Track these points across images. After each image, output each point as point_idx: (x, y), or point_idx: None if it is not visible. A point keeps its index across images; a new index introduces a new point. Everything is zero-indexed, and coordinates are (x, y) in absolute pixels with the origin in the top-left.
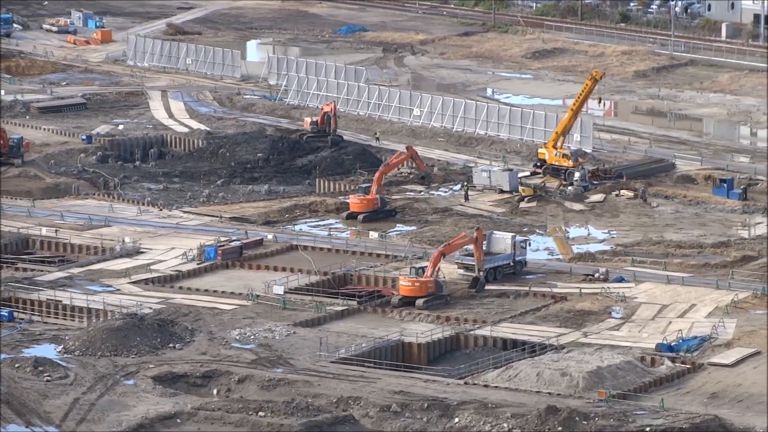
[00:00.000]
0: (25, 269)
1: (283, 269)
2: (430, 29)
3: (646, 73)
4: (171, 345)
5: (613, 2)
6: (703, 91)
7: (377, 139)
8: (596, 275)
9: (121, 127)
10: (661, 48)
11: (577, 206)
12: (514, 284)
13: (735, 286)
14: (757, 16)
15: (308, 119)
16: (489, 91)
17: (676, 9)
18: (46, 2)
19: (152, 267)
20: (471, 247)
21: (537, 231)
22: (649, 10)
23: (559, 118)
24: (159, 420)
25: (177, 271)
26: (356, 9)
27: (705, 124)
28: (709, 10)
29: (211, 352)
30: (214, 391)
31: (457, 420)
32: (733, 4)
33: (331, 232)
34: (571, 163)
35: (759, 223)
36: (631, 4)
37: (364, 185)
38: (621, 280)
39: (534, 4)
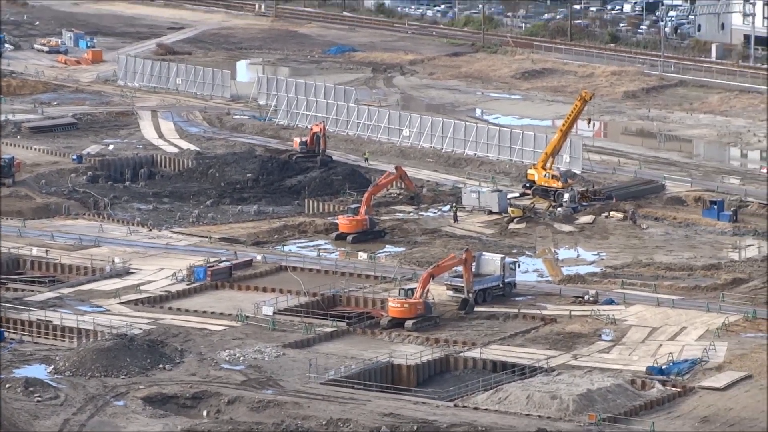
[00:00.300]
0: (15, 289)
1: (273, 290)
2: (420, 49)
3: (635, 93)
4: (161, 366)
5: (602, 23)
6: (693, 112)
7: (366, 159)
8: (586, 297)
9: (111, 147)
10: (651, 69)
11: (567, 228)
12: (503, 306)
13: (726, 309)
14: (747, 37)
15: (297, 140)
16: (478, 112)
17: (666, 30)
18: (37, 22)
19: (142, 287)
20: (460, 268)
21: (526, 252)
22: (639, 30)
23: (548, 138)
24: None
25: (166, 291)
26: (345, 29)
27: (695, 146)
28: (699, 30)
29: (201, 373)
30: (204, 413)
31: None
32: (723, 25)
33: (321, 253)
34: (560, 184)
35: (750, 246)
36: (621, 24)
37: (353, 206)
38: (611, 302)
39: (523, 24)
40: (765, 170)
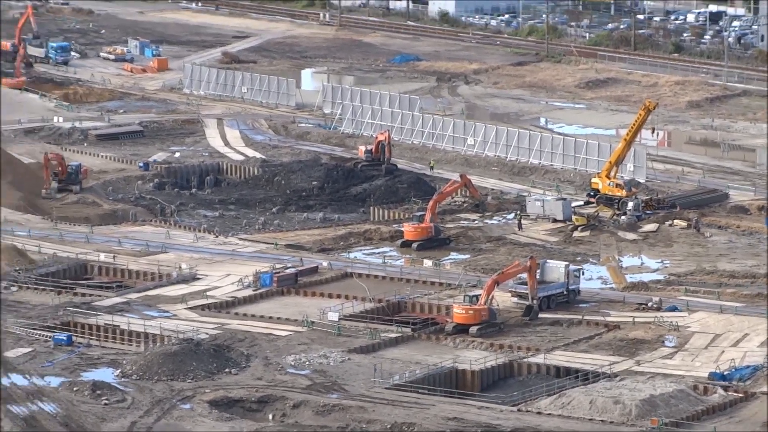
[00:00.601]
0: (83, 294)
1: (338, 296)
2: (484, 59)
3: (699, 103)
4: (227, 370)
5: (666, 33)
6: (757, 122)
7: (431, 167)
8: (649, 304)
9: (177, 154)
10: (715, 78)
11: (631, 236)
12: (567, 312)
13: None
14: None
15: (363, 148)
16: (542, 121)
17: (729, 39)
18: (103, 31)
19: (208, 293)
20: (525, 275)
21: (590, 260)
22: (702, 40)
23: (612, 147)
24: None
25: (233, 297)
26: (409, 38)
27: (758, 155)
28: (762, 40)
29: (267, 377)
30: (270, 416)
31: None
32: None
33: (386, 260)
34: (624, 192)
35: None
36: (684, 34)
37: (418, 213)
38: (674, 309)
39: (587, 34)
40: None
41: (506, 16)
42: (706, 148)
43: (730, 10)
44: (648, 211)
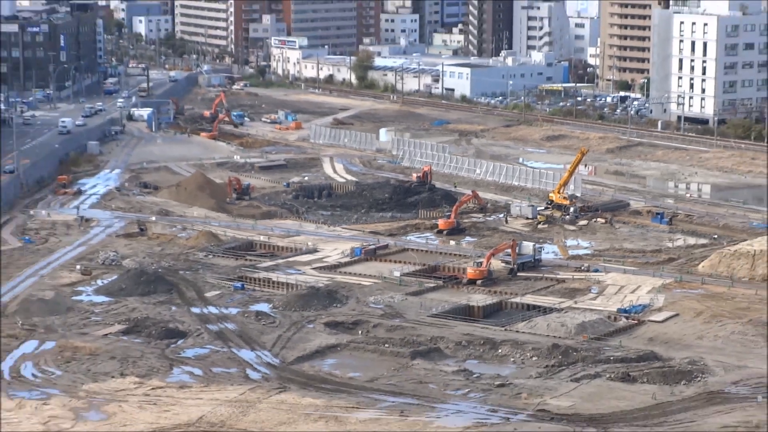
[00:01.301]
0: (250, 260)
1: (400, 262)
2: (486, 123)
3: (613, 149)
4: (335, 305)
5: (594, 108)
6: (647, 161)
7: (455, 186)
8: (582, 268)
9: (306, 178)
10: (622, 135)
11: (571, 228)
12: (534, 273)
13: (664, 276)
14: (679, 117)
15: (415, 175)
16: (521, 159)
17: (631, 112)
18: (263, 105)
19: (324, 259)
20: (509, 250)
21: (548, 241)
22: (616, 113)
23: (561, 175)
24: (327, 348)
25: (338, 262)
26: (443, 110)
27: (648, 180)
28: (651, 112)
29: (358, 309)
30: (359, 332)
31: (500, 350)
32: (665, 109)
33: (427, 241)
34: (568, 202)
35: (678, 239)
36: (605, 109)
37: (447, 214)
38: (597, 271)
39: (547, 108)
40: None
41: (500, 97)
42: (616, 176)
43: (632, 94)
44: (582, 213)
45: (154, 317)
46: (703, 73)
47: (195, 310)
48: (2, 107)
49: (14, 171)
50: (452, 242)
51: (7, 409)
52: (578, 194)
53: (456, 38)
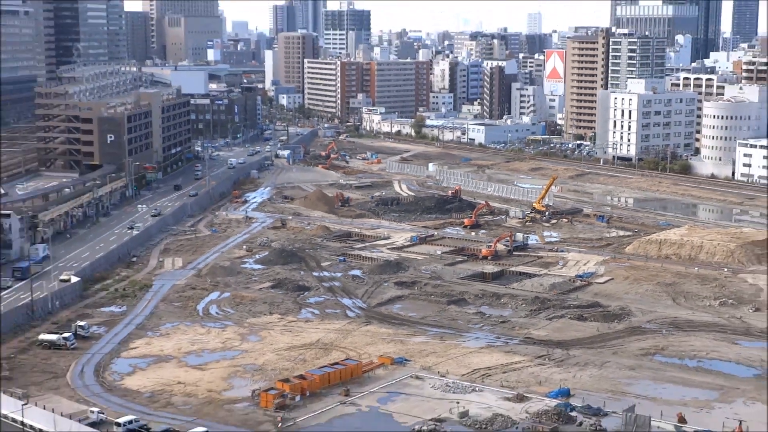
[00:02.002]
0: (349, 243)
1: (441, 245)
2: (494, 159)
3: (573, 176)
4: (400, 271)
5: (560, 151)
6: (593, 183)
7: (475, 200)
8: (553, 249)
9: (383, 193)
10: (578, 167)
11: (546, 225)
12: (523, 252)
13: (603, 254)
14: (614, 156)
15: (450, 191)
16: (515, 182)
17: (584, 153)
18: (356, 149)
19: (394, 243)
20: (508, 238)
21: (532, 233)
22: (574, 153)
23: (540, 192)
24: (395, 298)
25: (403, 245)
26: (467, 151)
27: (594, 195)
28: (596, 153)
29: (414, 274)
30: (416, 288)
31: (502, 300)
32: (605, 151)
33: (458, 232)
34: (544, 209)
35: (613, 232)
36: (567, 151)
37: (469, 216)
38: (562, 251)
39: (532, 151)
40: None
41: (503, 144)
42: (574, 193)
43: (584, 142)
44: (553, 216)
45: (290, 278)
46: (629, 129)
47: (315, 273)
48: (200, 149)
49: (197, 194)
50: (473, 233)
51: (199, 333)
52: (551, 204)
53: (476, 108)
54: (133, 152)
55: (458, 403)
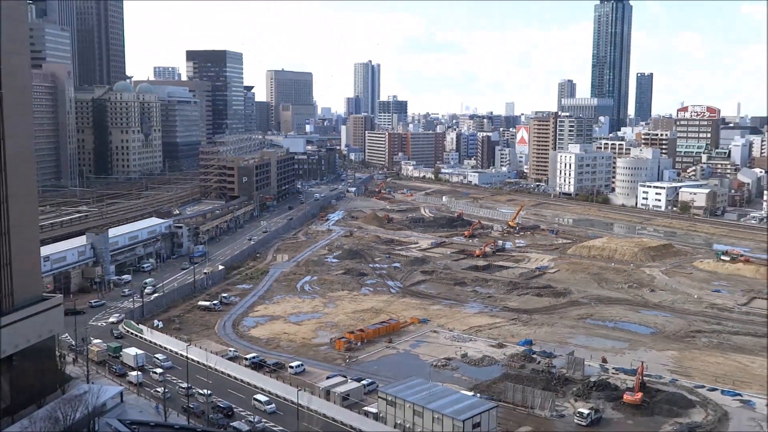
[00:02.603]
0: (392, 246)
1: (450, 248)
2: (484, 194)
3: (534, 205)
4: (424, 264)
5: (526, 189)
6: (547, 209)
7: (478, 221)
8: (521, 251)
9: (413, 215)
10: (537, 199)
11: (517, 235)
12: (503, 253)
13: (553, 254)
14: (560, 192)
15: (456, 214)
16: (497, 208)
17: (541, 190)
18: (398, 187)
19: (420, 246)
20: (493, 243)
21: (507, 241)
22: (536, 190)
23: (512, 214)
24: (421, 281)
25: (426, 248)
26: (467, 189)
27: (547, 216)
28: (549, 190)
29: (433, 265)
30: (433, 274)
31: (489, 282)
32: (554, 189)
33: (461, 240)
34: (516, 225)
35: (559, 240)
36: (530, 189)
37: (468, 229)
38: (527, 252)
39: (507, 188)
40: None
41: (489, 184)
42: (535, 216)
43: (542, 183)
44: (520, 230)
45: (355, 267)
46: (569, 175)
47: (370, 265)
48: (300, 186)
49: (292, 218)
50: (470, 241)
51: (297, 302)
52: (519, 222)
53: (472, 161)
54: (259, 188)
55: (461, 348)
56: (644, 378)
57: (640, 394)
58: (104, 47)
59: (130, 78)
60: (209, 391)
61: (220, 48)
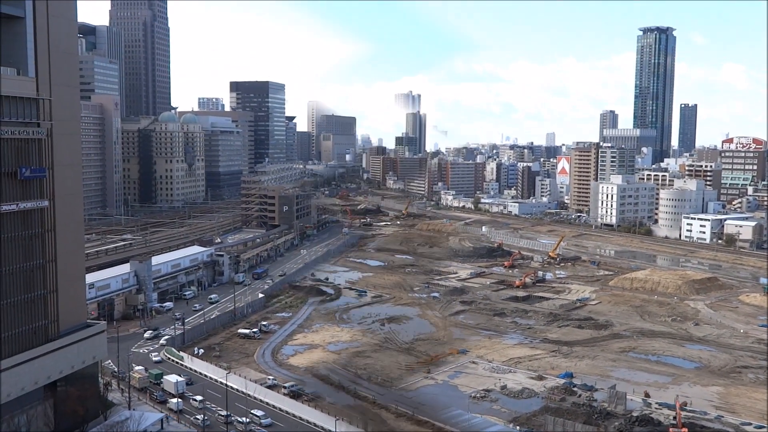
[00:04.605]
0: (432, 277)
1: (490, 278)
2: (524, 224)
3: (575, 236)
4: (463, 294)
5: (567, 219)
6: (589, 240)
7: (519, 251)
8: (562, 282)
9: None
10: (578, 230)
11: (557, 266)
12: (543, 284)
13: (595, 286)
14: (602, 223)
15: (496, 244)
16: (537, 239)
17: (582, 221)
18: (438, 216)
19: (459, 276)
20: (533, 274)
21: (548, 271)
22: (576, 221)
23: (553, 245)
24: (460, 311)
25: (465, 278)
26: (508, 220)
27: (588, 248)
28: (591, 221)
29: (472, 295)
30: (472, 305)
31: (529, 314)
32: (596, 220)
33: (501, 270)
34: (556, 256)
35: (601, 272)
36: (572, 219)
37: (508, 260)
38: (567, 284)
39: (548, 219)
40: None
41: (530, 215)
42: (576, 246)
43: (583, 214)
44: (561, 261)
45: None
46: (611, 206)
47: (410, 294)
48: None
49: (328, 251)
50: (510, 271)
51: (336, 330)
52: (560, 253)
53: (513, 192)
54: (299, 217)
55: (500, 379)
56: (688, 413)
57: (685, 430)
58: (150, 79)
59: (175, 109)
60: (249, 418)
61: (263, 79)
